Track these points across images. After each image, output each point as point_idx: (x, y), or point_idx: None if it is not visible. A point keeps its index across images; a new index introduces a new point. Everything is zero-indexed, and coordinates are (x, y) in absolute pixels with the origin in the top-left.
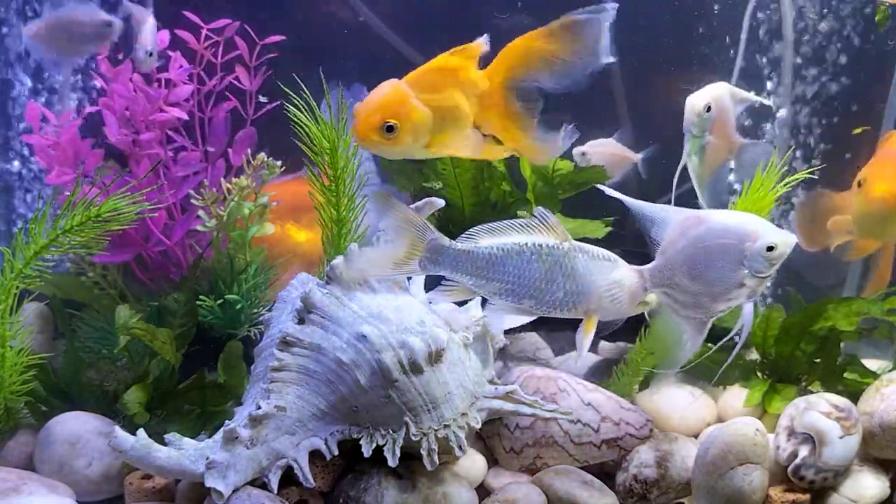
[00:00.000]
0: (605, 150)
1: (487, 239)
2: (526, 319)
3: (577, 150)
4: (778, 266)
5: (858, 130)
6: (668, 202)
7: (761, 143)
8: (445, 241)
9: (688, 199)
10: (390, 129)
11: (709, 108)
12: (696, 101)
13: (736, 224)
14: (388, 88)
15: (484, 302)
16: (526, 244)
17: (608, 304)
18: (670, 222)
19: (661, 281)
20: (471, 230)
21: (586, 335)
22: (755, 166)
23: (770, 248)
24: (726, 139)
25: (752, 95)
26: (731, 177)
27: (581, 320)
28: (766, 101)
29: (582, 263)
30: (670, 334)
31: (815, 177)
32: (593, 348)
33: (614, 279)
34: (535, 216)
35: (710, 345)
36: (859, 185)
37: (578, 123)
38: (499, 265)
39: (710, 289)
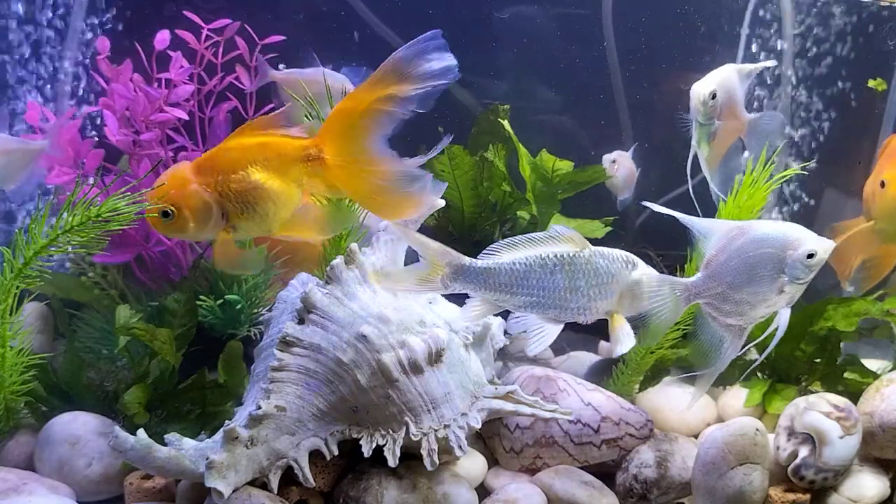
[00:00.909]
0: (625, 161)
1: (508, 254)
2: (556, 330)
3: (606, 158)
4: (816, 272)
5: (878, 86)
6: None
7: (768, 113)
8: (466, 260)
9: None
10: (166, 214)
11: (714, 95)
12: (700, 89)
13: (777, 233)
14: (170, 173)
15: (505, 315)
16: (548, 256)
17: (629, 304)
18: (715, 234)
19: (704, 293)
20: (491, 246)
21: (619, 328)
22: (767, 137)
23: (810, 256)
24: (736, 120)
25: (757, 65)
26: (745, 154)
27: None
28: (771, 63)
29: (603, 268)
30: (712, 341)
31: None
32: (593, 348)
33: (634, 279)
34: (551, 231)
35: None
36: (882, 185)
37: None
38: (522, 279)
39: (752, 297)
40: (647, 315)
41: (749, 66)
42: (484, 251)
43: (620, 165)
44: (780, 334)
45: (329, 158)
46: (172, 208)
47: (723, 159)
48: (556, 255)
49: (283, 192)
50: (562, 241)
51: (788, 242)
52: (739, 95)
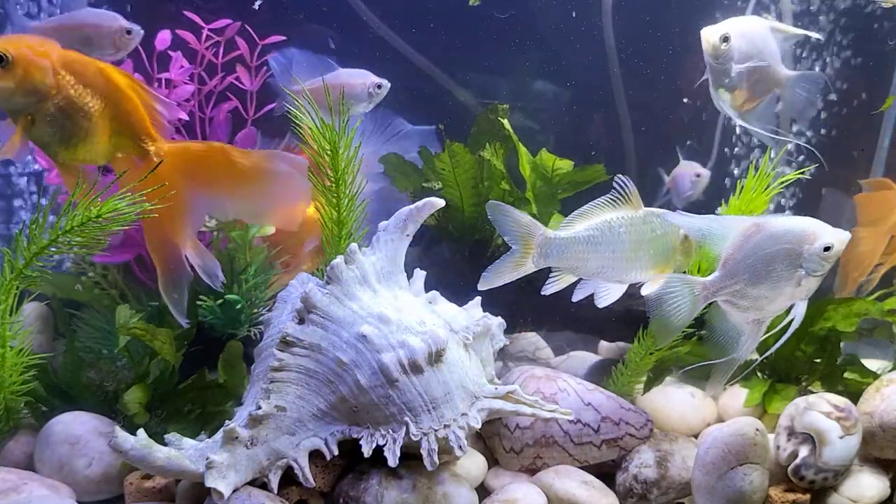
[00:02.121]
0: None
1: (582, 223)
2: (621, 290)
3: (691, 173)
4: (832, 264)
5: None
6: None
7: (810, 73)
8: (550, 233)
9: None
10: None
11: (726, 39)
12: (708, 33)
13: (793, 228)
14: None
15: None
16: (614, 219)
17: (680, 260)
18: (731, 233)
19: (722, 290)
20: (567, 219)
21: (662, 276)
22: (806, 100)
23: (827, 248)
24: (769, 72)
25: (799, 30)
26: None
27: (578, 322)
28: (815, 35)
29: (658, 225)
30: (730, 334)
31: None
32: (593, 348)
33: (682, 233)
34: (616, 184)
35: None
36: None
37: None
38: (597, 244)
39: (770, 292)
40: (664, 312)
41: (784, 27)
42: (561, 224)
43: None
44: (795, 325)
45: (157, 168)
46: (8, 55)
47: (757, 112)
48: (620, 218)
49: (96, 135)
50: (621, 203)
51: (805, 236)
52: (772, 49)
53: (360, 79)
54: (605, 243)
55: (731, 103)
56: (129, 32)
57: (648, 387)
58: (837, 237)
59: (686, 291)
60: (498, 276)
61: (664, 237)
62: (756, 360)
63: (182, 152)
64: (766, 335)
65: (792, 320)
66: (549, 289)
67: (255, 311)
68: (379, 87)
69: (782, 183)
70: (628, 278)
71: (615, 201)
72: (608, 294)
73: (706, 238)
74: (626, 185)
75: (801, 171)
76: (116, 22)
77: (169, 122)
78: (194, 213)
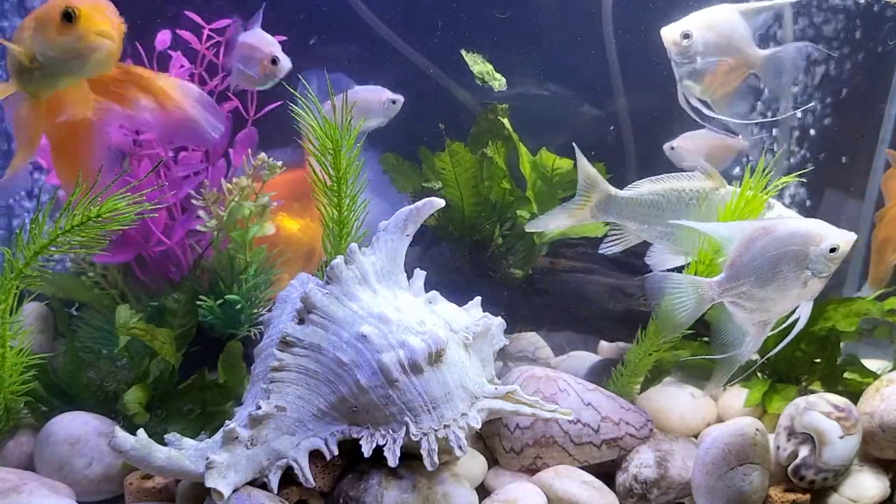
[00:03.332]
0: (703, 143)
1: (649, 186)
2: (679, 261)
3: (666, 146)
4: (838, 265)
5: None
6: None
7: (786, 48)
8: (612, 190)
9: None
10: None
11: (687, 36)
12: (668, 32)
13: (800, 230)
14: None
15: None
16: (684, 189)
17: None
18: (738, 235)
19: (728, 292)
20: (635, 182)
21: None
22: (787, 74)
23: (833, 250)
24: (740, 59)
25: (766, 3)
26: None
27: (578, 322)
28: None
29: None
30: (734, 333)
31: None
32: (593, 348)
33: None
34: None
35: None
36: None
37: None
38: (660, 209)
39: (776, 294)
40: (670, 309)
41: (754, 5)
42: (628, 185)
43: (690, 149)
44: (800, 326)
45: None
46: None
47: (732, 99)
48: (692, 190)
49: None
50: (701, 178)
51: (811, 238)
52: (742, 34)
53: (376, 95)
54: (670, 210)
55: (703, 94)
56: (393, 102)
57: (646, 387)
58: (843, 238)
59: (692, 291)
60: (552, 218)
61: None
62: (758, 360)
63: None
64: (769, 335)
65: (797, 320)
66: (608, 248)
67: (255, 311)
68: (394, 102)
69: (777, 186)
70: (691, 249)
71: (694, 176)
72: (663, 261)
73: (728, 242)
74: (706, 166)
75: (800, 173)
76: (384, 94)
77: None
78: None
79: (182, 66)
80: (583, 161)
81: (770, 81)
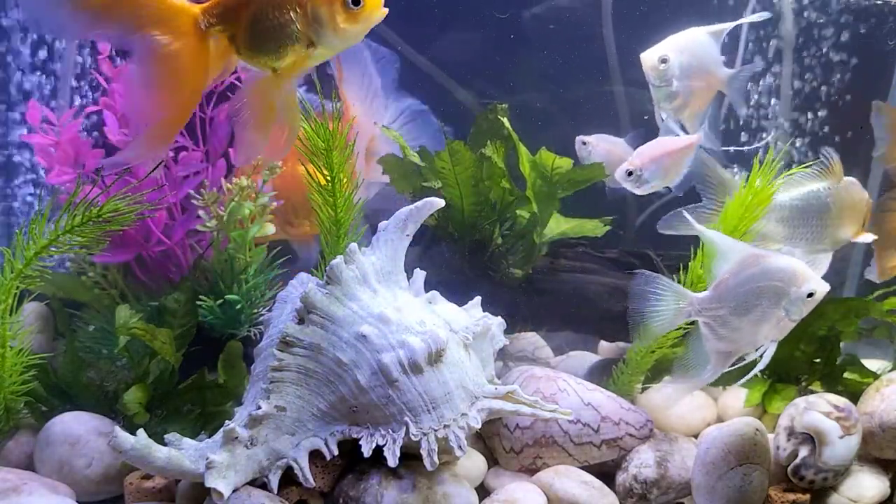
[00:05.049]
0: (611, 149)
1: (785, 193)
2: (827, 261)
3: (578, 139)
4: (807, 313)
5: None
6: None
7: (747, 67)
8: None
9: None
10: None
11: (665, 60)
12: (648, 56)
13: (787, 267)
14: None
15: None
16: (821, 188)
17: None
18: (732, 257)
19: (707, 311)
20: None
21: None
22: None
23: (810, 295)
24: (711, 78)
25: (732, 23)
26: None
27: (578, 322)
28: (761, 16)
29: (856, 191)
30: (698, 359)
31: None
32: (593, 348)
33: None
34: (822, 156)
35: None
36: None
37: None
38: (802, 212)
39: (750, 326)
40: (646, 312)
41: (720, 27)
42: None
43: (597, 149)
44: (760, 366)
45: None
46: None
47: (702, 116)
48: (825, 188)
49: None
50: (824, 172)
51: (795, 278)
52: (711, 54)
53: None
54: (813, 211)
55: (676, 114)
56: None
57: (646, 384)
58: (821, 287)
59: (673, 300)
60: (681, 222)
61: (858, 204)
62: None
63: None
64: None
65: (759, 358)
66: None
67: (255, 311)
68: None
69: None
70: (837, 242)
71: (819, 173)
72: (820, 266)
73: (720, 258)
74: (830, 156)
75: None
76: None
77: None
78: None
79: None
80: (716, 167)
81: (735, 97)
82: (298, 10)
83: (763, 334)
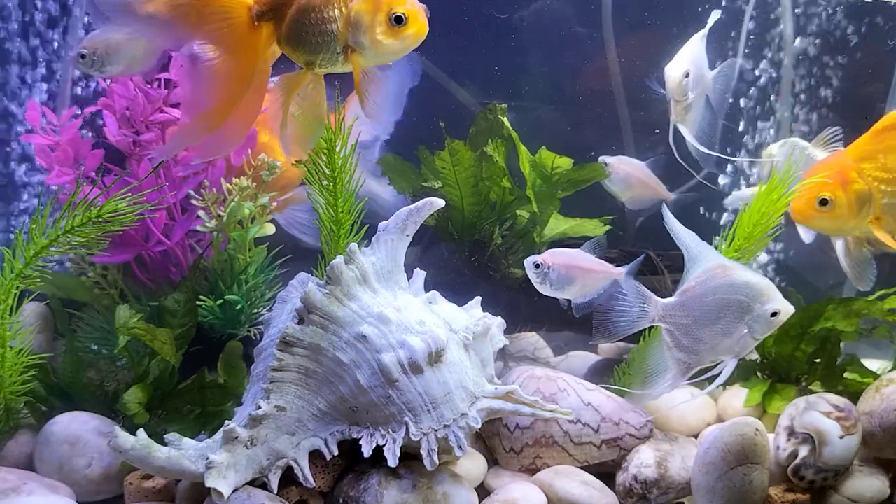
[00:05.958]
0: (631, 171)
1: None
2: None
3: (602, 159)
4: (767, 335)
5: None
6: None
7: (724, 65)
8: None
9: None
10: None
11: (688, 74)
12: (674, 72)
13: (754, 283)
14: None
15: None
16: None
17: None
18: (702, 264)
19: (671, 317)
20: None
21: None
22: (727, 85)
23: (774, 314)
24: (705, 83)
25: (707, 26)
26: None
27: (578, 322)
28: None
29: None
30: (657, 367)
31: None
32: (593, 348)
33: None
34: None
35: None
36: None
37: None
38: None
39: (711, 339)
40: (610, 313)
41: (703, 31)
42: None
43: (618, 171)
44: (718, 382)
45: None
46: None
47: (692, 124)
48: None
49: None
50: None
51: (760, 295)
52: (704, 60)
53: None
54: None
55: (691, 130)
56: None
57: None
58: (786, 308)
59: (639, 303)
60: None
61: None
62: (756, 360)
63: None
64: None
65: (718, 374)
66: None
67: (255, 311)
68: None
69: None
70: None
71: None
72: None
73: (691, 261)
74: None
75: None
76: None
77: None
78: None
79: (182, 66)
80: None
81: (717, 97)
82: (342, 10)
83: (724, 348)
